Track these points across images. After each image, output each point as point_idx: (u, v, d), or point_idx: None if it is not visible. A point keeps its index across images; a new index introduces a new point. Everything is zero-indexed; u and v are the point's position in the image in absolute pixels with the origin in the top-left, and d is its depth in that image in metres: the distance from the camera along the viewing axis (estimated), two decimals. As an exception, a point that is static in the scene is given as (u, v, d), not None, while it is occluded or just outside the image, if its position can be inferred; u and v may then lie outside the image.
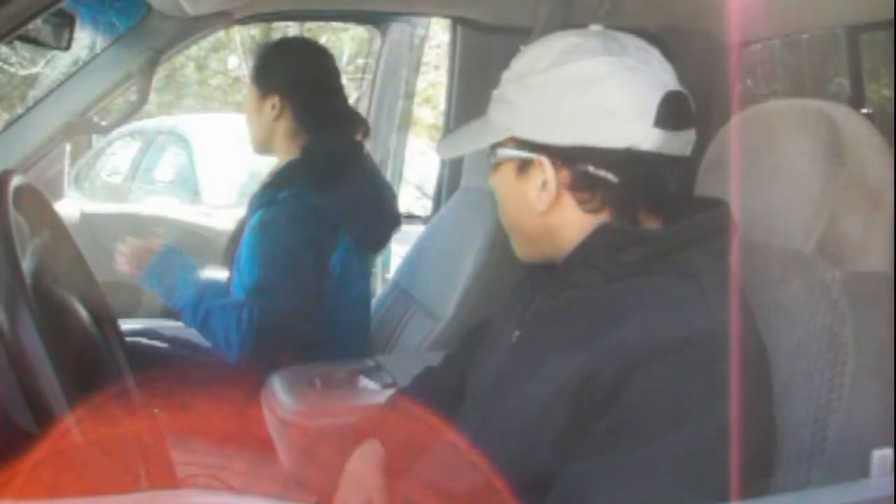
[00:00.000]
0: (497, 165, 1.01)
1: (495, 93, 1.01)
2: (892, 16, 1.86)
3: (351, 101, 2.25)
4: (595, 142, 0.92)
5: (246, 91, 1.95)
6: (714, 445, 0.80)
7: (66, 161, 2.38)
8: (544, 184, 0.95)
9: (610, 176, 0.92)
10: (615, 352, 0.85)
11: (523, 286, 1.07)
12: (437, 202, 2.63)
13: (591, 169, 0.93)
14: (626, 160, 0.92)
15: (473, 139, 1.03)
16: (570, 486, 0.83)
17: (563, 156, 0.94)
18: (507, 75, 1.00)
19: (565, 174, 0.94)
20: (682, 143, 0.95)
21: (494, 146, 0.99)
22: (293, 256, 1.73)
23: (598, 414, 0.84)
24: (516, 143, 0.97)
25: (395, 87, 2.68)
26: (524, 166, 0.97)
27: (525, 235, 1.02)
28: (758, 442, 0.86)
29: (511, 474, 0.88)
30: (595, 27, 0.99)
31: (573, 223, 0.96)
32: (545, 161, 0.95)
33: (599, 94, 0.92)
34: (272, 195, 1.79)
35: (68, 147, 2.39)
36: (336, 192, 1.81)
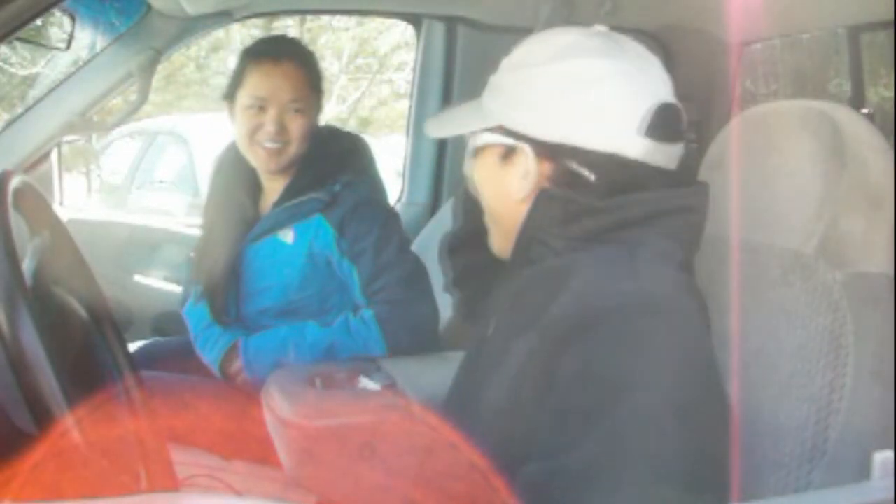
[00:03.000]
0: (480, 150, 1.02)
1: (492, 78, 1.02)
2: (892, 16, 1.86)
3: (351, 101, 2.23)
4: (581, 141, 0.93)
5: None
6: (654, 417, 0.78)
7: (57, 163, 2.36)
8: (526, 173, 0.96)
9: (591, 176, 0.93)
10: (554, 325, 0.86)
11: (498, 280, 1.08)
12: (436, 200, 2.64)
13: (573, 166, 0.94)
14: (608, 163, 0.92)
15: (463, 122, 1.04)
16: (529, 485, 0.82)
17: (549, 150, 0.95)
18: (505, 63, 1.01)
19: (547, 167, 0.95)
20: (668, 155, 0.95)
21: (481, 131, 1.01)
22: (397, 237, 1.71)
23: (548, 391, 0.84)
24: (504, 131, 0.98)
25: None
26: (508, 154, 0.98)
27: (500, 224, 1.03)
28: (699, 417, 0.81)
29: (492, 463, 0.87)
30: (599, 27, 0.99)
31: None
32: (530, 153, 0.96)
33: (591, 94, 0.93)
34: (327, 195, 1.70)
35: (62, 148, 2.36)
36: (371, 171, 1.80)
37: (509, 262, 1.01)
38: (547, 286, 0.92)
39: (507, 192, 0.99)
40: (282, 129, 1.67)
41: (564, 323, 0.85)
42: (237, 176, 1.80)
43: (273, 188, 1.77)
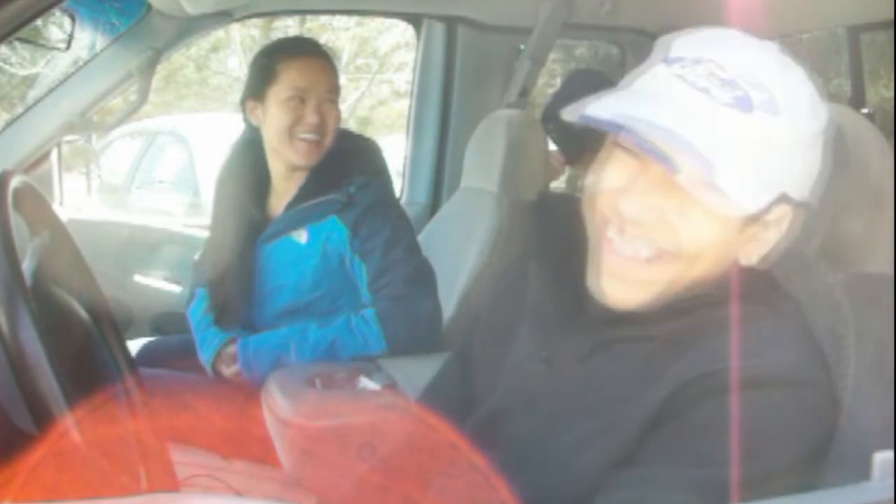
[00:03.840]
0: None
1: (786, 130, 0.82)
2: (892, 16, 1.86)
3: (351, 101, 2.25)
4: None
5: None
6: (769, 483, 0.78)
7: (57, 163, 2.36)
8: (759, 237, 0.86)
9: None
10: (696, 378, 0.82)
11: (550, 309, 0.97)
12: (436, 200, 2.64)
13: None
14: None
15: (769, 189, 0.83)
16: (615, 490, 0.82)
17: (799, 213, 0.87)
18: (792, 111, 0.83)
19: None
20: None
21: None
22: (406, 237, 1.73)
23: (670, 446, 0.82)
24: (782, 197, 0.84)
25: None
26: (759, 214, 0.84)
27: (692, 280, 0.87)
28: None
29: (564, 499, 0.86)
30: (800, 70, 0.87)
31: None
32: (790, 215, 0.86)
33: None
34: (343, 196, 1.72)
35: (62, 148, 2.36)
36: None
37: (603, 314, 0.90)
38: (674, 340, 0.86)
39: (730, 252, 0.87)
40: (322, 121, 1.70)
41: (704, 381, 0.81)
42: (245, 179, 1.81)
43: (286, 189, 1.78)
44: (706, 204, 0.81)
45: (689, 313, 0.87)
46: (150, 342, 2.03)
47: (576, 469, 0.86)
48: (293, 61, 1.72)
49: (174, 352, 1.93)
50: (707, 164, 0.77)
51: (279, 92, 1.71)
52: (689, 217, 0.83)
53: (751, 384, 0.80)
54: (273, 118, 1.72)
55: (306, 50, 1.77)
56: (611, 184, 0.86)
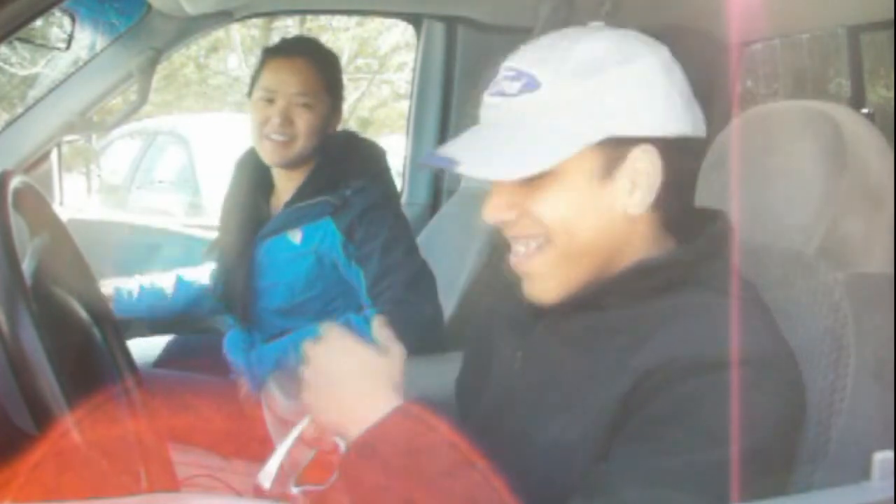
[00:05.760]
0: (557, 175, 0.87)
1: (545, 98, 0.87)
2: (892, 16, 1.86)
3: (351, 101, 2.25)
4: (689, 130, 0.89)
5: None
6: (738, 467, 0.78)
7: (57, 163, 2.36)
8: (639, 184, 0.88)
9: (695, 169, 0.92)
10: (654, 370, 0.83)
11: (519, 310, 1.00)
12: (436, 200, 2.64)
13: (680, 161, 0.89)
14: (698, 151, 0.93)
15: (546, 152, 0.85)
16: (590, 487, 0.83)
17: (666, 148, 0.88)
18: (555, 78, 0.87)
19: (662, 168, 0.88)
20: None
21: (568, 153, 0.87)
22: (404, 240, 1.72)
23: (637, 435, 0.83)
24: (615, 142, 0.87)
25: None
26: (610, 168, 0.87)
27: (587, 256, 0.90)
28: (776, 468, 0.84)
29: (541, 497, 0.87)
30: (597, 23, 0.96)
31: (642, 234, 0.92)
32: (654, 153, 0.87)
33: (677, 85, 0.90)
34: (338, 199, 1.71)
35: (62, 148, 2.36)
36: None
37: (563, 302, 0.92)
38: (631, 330, 0.87)
39: (610, 213, 0.89)
40: (287, 122, 1.70)
41: (668, 368, 0.82)
42: (253, 174, 1.83)
43: (286, 188, 1.78)
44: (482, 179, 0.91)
45: (642, 300, 0.89)
46: (175, 340, 2.04)
47: (558, 462, 0.88)
48: (269, 62, 1.74)
49: (201, 351, 1.95)
50: (448, 161, 0.88)
51: (255, 92, 1.74)
52: (540, 202, 0.88)
53: (713, 368, 0.81)
54: (250, 116, 1.75)
55: (287, 51, 1.77)
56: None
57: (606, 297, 0.91)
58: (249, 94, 1.78)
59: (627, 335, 0.88)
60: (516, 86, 0.88)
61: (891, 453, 0.70)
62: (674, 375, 0.82)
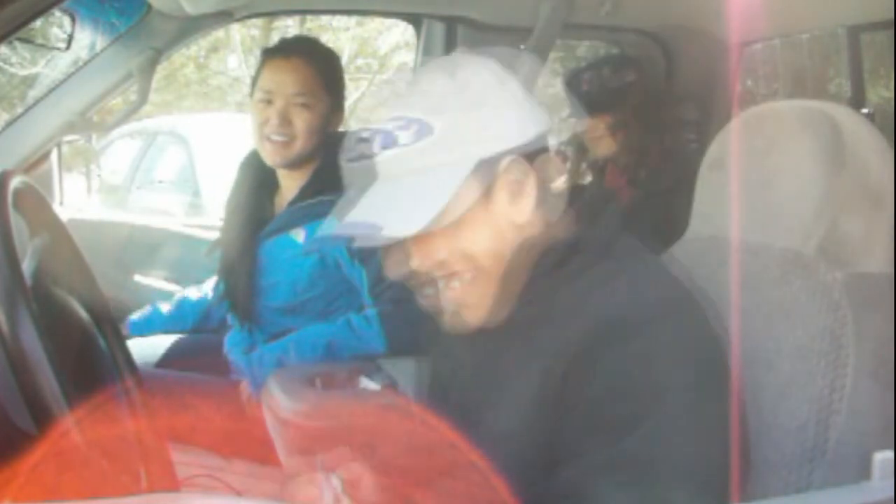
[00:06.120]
0: (463, 213, 0.91)
1: (417, 149, 0.92)
2: (892, 16, 1.86)
3: (351, 101, 2.24)
4: (543, 126, 0.95)
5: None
6: (685, 421, 0.82)
7: (57, 163, 2.36)
8: (520, 192, 0.93)
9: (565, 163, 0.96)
10: (575, 344, 0.86)
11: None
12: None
13: (547, 159, 0.95)
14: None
15: (441, 194, 0.90)
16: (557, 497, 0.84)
17: (530, 152, 0.94)
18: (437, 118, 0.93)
19: (533, 171, 0.95)
20: None
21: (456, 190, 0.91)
22: None
23: (573, 408, 0.86)
24: (482, 165, 0.91)
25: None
26: (489, 188, 0.92)
27: (512, 272, 0.94)
28: (721, 418, 0.85)
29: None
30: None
31: (545, 232, 0.96)
32: (523, 162, 0.93)
33: (513, 84, 0.95)
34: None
35: (62, 148, 2.37)
36: None
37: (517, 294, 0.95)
38: (550, 313, 0.91)
39: (503, 229, 0.93)
40: (285, 122, 1.70)
41: (587, 341, 0.85)
42: (257, 173, 1.83)
43: (289, 187, 1.79)
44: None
45: (561, 287, 0.92)
46: (178, 340, 2.05)
47: (506, 451, 0.90)
48: (267, 62, 1.74)
49: (202, 351, 1.95)
50: (368, 226, 0.92)
51: (255, 93, 1.75)
52: (460, 239, 0.92)
53: (629, 332, 0.84)
54: (251, 118, 1.75)
55: (285, 51, 1.77)
56: None
57: (529, 296, 0.94)
58: (251, 95, 1.78)
59: (554, 322, 0.90)
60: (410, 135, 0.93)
61: (891, 453, 0.71)
62: (600, 349, 0.85)
